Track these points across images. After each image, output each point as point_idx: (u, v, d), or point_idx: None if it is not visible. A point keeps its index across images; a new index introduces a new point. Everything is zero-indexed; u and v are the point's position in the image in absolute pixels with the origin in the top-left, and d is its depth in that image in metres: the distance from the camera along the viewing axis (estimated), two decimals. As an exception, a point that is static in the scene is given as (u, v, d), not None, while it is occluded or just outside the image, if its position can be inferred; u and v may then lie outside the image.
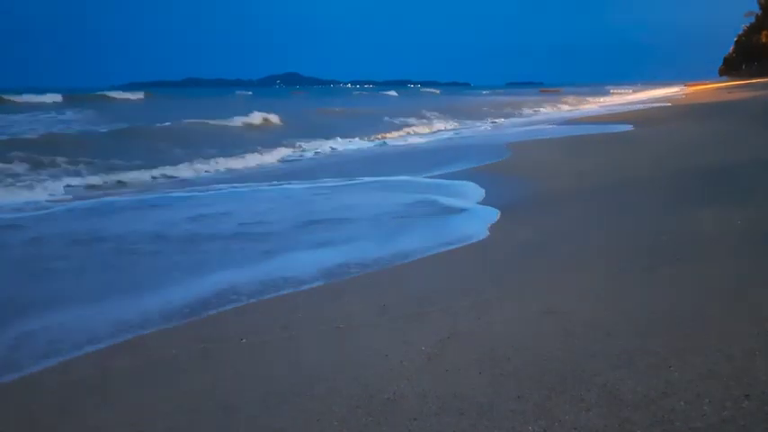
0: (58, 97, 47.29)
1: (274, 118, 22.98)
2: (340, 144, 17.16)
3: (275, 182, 9.99)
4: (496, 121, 27.96)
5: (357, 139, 18.53)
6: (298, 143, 16.67)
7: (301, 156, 15.03)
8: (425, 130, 22.76)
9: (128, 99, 57.16)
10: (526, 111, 34.61)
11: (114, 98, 56.63)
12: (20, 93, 49.52)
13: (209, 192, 9.17)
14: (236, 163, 12.95)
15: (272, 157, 14.25)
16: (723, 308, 3.33)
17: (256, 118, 22.41)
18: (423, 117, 26.70)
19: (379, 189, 8.83)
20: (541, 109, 36.53)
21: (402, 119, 24.90)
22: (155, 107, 41.61)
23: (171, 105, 46.98)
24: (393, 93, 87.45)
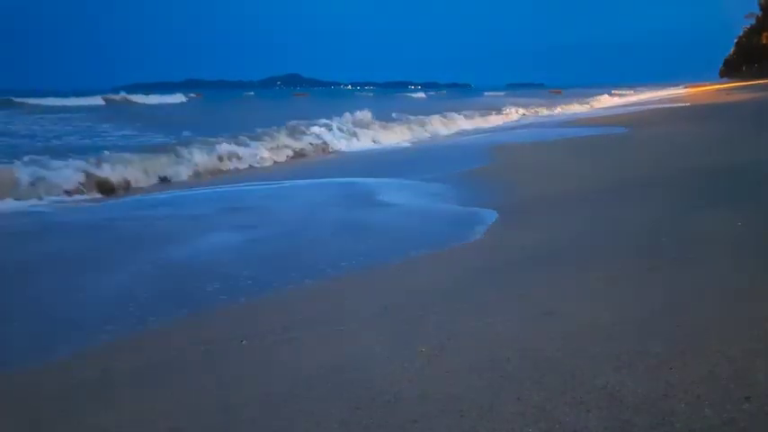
0: (98, 100, 46.68)
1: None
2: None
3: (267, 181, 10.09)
4: (507, 118, 29.30)
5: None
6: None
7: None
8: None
9: (171, 103, 55.08)
10: (528, 112, 34.67)
11: (155, 103, 54.07)
12: (23, 95, 49.13)
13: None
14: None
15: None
16: (723, 309, 3.33)
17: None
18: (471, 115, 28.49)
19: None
20: (542, 110, 36.56)
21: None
22: (226, 110, 40.67)
23: (230, 107, 46.71)
24: (422, 95, 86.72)
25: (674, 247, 4.73)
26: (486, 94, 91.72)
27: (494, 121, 27.73)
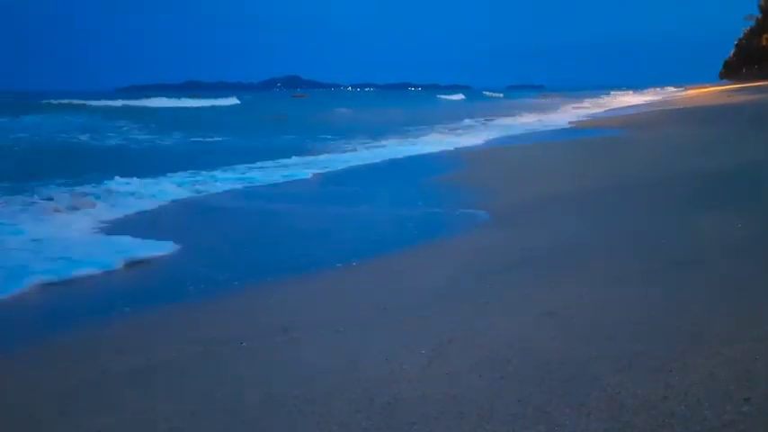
0: (164, 101, 45.43)
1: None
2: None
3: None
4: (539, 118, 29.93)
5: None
6: None
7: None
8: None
9: (228, 105, 53.80)
10: (529, 113, 34.68)
11: (209, 105, 51.95)
12: (39, 96, 48.14)
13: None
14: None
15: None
16: (723, 311, 3.32)
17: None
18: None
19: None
20: (545, 111, 36.60)
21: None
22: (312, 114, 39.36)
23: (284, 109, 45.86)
24: (461, 96, 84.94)
25: (674, 248, 4.73)
26: (485, 94, 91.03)
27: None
